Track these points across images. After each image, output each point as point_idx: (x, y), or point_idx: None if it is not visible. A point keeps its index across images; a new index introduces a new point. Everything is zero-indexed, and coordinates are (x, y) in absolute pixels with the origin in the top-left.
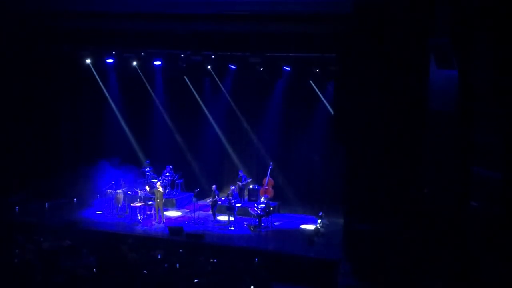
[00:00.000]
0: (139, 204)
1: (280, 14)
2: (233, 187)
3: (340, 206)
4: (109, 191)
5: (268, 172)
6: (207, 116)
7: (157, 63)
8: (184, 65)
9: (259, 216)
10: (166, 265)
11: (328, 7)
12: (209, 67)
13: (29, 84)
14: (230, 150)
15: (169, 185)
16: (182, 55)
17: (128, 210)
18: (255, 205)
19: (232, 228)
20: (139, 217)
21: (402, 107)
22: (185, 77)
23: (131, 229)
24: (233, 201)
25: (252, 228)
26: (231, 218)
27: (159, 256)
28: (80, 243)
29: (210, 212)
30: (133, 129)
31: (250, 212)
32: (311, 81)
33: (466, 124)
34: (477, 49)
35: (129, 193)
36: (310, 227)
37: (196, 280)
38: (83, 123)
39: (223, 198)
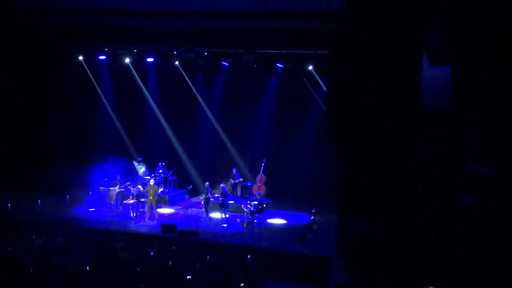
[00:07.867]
0: (131, 201)
1: (273, 11)
2: (223, 185)
3: (333, 202)
4: (101, 188)
5: (261, 169)
6: (200, 113)
7: (150, 60)
8: (177, 62)
9: (252, 213)
10: (159, 262)
11: (321, 4)
12: (202, 64)
13: (21, 81)
14: (223, 147)
15: (162, 182)
16: (175, 52)
17: (120, 207)
18: (248, 202)
19: (225, 225)
20: (131, 214)
21: (395, 104)
22: (178, 74)
23: (124, 226)
24: (221, 198)
25: (245, 225)
26: (226, 216)
27: (152, 253)
28: (73, 240)
29: (203, 209)
30: (126, 126)
31: (243, 209)
32: (304, 78)
33: (459, 121)
34: (470, 45)
35: (121, 190)
36: (303, 224)
37: (188, 277)
38: (75, 120)
39: (216, 195)
